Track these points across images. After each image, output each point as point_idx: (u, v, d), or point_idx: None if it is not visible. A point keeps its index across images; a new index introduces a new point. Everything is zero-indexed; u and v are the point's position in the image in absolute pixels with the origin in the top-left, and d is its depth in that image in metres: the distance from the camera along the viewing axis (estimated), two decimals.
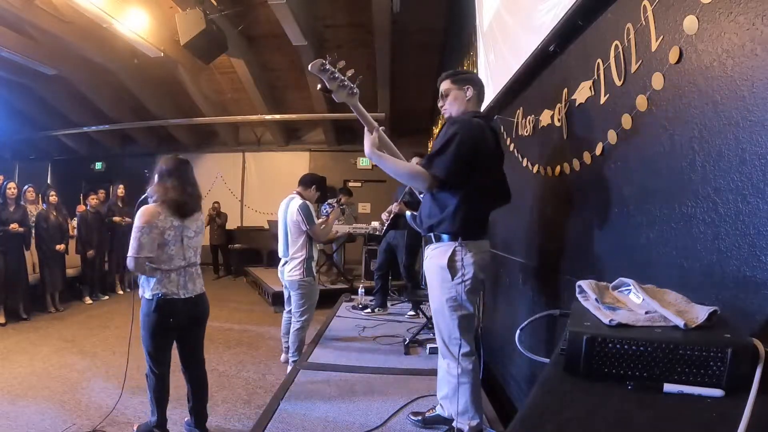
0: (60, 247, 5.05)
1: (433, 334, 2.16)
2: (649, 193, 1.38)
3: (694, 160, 1.17)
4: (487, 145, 1.80)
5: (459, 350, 1.82)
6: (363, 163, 8.86)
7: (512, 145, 2.72)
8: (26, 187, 5.25)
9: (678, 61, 1.22)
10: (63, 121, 9.11)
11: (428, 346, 3.23)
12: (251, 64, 6.80)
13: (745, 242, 0.99)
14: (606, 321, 0.83)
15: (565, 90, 1.93)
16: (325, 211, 3.63)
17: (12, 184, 4.69)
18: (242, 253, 8.39)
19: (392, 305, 4.70)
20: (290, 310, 3.31)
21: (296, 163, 9.00)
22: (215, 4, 5.36)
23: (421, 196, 2.04)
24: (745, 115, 1.00)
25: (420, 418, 2.13)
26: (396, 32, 5.68)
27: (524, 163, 2.49)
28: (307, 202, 3.19)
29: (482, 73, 3.20)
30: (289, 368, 3.06)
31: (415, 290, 4.28)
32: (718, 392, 0.70)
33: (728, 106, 1.05)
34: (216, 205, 8.14)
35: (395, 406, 2.31)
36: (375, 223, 5.62)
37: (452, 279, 1.78)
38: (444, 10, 5.61)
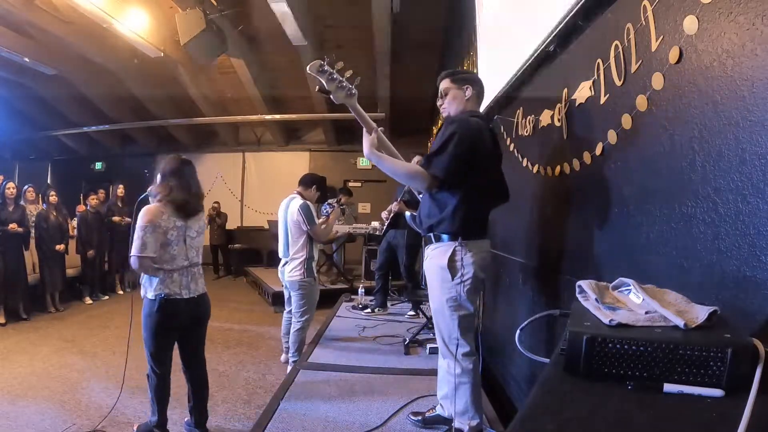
0: (60, 247, 5.05)
1: (433, 334, 2.16)
2: (649, 193, 1.38)
3: (694, 160, 1.17)
4: (485, 144, 1.80)
5: (459, 350, 1.82)
6: (363, 163, 8.86)
7: (512, 145, 2.72)
8: (26, 187, 5.25)
9: (678, 61, 1.22)
10: (63, 121, 9.10)
11: (428, 346, 3.23)
12: (251, 64, 6.80)
13: (745, 242, 0.99)
14: (606, 321, 0.83)
15: (565, 90, 1.93)
16: (325, 211, 3.63)
17: (11, 184, 4.69)
18: (242, 253, 8.39)
19: (392, 305, 4.70)
20: (290, 311, 3.31)
21: (296, 163, 9.00)
22: (215, 4, 5.36)
23: (420, 196, 2.04)
24: (745, 115, 1.00)
25: (420, 418, 2.13)
26: (396, 32, 5.68)
27: (524, 163, 2.49)
28: (308, 202, 3.19)
29: (482, 73, 3.20)
30: (289, 368, 3.06)
31: (415, 290, 4.28)
32: (718, 392, 0.70)
33: (728, 106, 1.05)
34: (216, 205, 8.14)
35: (395, 406, 2.31)
36: (375, 223, 5.62)
37: (452, 279, 1.78)
38: (444, 10, 5.60)
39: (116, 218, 5.87)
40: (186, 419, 2.38)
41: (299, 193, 3.27)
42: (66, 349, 3.86)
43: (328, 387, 2.60)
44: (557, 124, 2.03)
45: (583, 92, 1.77)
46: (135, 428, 2.35)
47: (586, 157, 1.74)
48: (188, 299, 2.14)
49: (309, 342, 3.40)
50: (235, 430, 2.55)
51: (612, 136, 1.55)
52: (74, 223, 5.70)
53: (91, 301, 5.60)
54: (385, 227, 4.19)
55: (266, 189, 9.18)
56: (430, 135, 7.87)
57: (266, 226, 8.07)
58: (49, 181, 9.79)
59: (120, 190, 6.21)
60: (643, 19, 1.37)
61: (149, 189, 2.24)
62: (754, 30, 0.97)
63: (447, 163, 1.71)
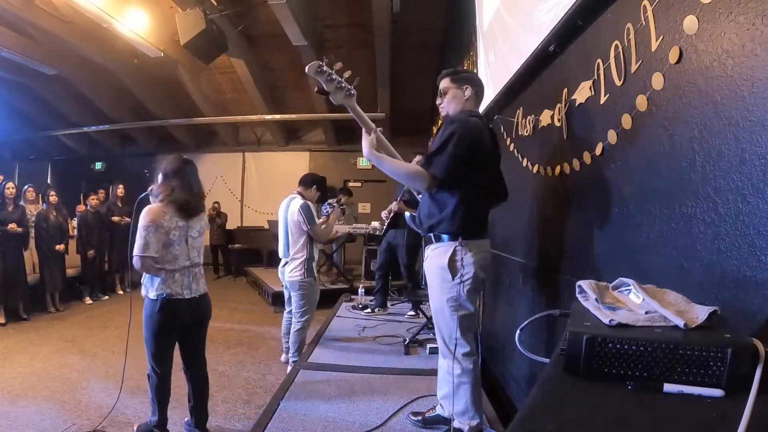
0: (60, 247, 5.05)
1: (433, 334, 2.16)
2: (649, 193, 1.38)
3: (694, 160, 1.17)
4: (484, 144, 1.81)
5: (460, 350, 1.82)
6: (363, 163, 8.86)
7: (512, 145, 2.72)
8: (26, 187, 5.25)
9: (678, 61, 1.22)
10: (63, 121, 9.11)
11: (428, 346, 3.23)
12: (251, 64, 6.80)
13: (745, 242, 0.99)
14: (606, 321, 0.83)
15: (565, 90, 1.93)
16: (325, 211, 3.64)
17: (10, 184, 4.68)
18: (242, 253, 8.39)
19: (392, 305, 4.70)
20: (291, 311, 3.31)
21: (296, 163, 9.00)
22: (215, 4, 5.36)
23: (420, 196, 2.04)
24: (745, 115, 1.00)
25: (420, 418, 2.13)
26: (396, 32, 5.68)
27: (524, 163, 2.49)
28: (308, 202, 3.19)
29: (482, 73, 3.20)
30: (289, 368, 3.06)
31: (415, 290, 4.28)
32: (718, 392, 0.70)
33: (728, 106, 1.05)
34: (216, 205, 8.14)
35: (395, 406, 2.31)
36: (375, 223, 5.62)
37: (452, 279, 1.78)
38: (444, 10, 5.61)
39: (116, 218, 5.87)
40: (186, 419, 2.38)
41: (299, 193, 3.26)
42: (66, 349, 3.86)
43: (328, 387, 2.60)
44: (557, 124, 2.03)
45: (583, 92, 1.77)
46: (135, 428, 2.35)
47: (586, 157, 1.74)
48: (190, 299, 2.14)
49: (309, 342, 3.40)
50: (235, 430, 2.55)
51: (612, 136, 1.55)
52: (74, 223, 5.70)
53: (91, 301, 5.60)
54: (385, 227, 4.19)
55: (266, 189, 9.18)
56: (430, 135, 7.87)
57: (266, 226, 8.07)
58: (49, 181, 9.80)
59: (120, 190, 6.21)
60: (643, 19, 1.37)
61: (150, 188, 2.24)
62: (754, 30, 0.97)
63: (447, 163, 1.72)
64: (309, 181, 3.34)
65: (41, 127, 9.42)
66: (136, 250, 2.01)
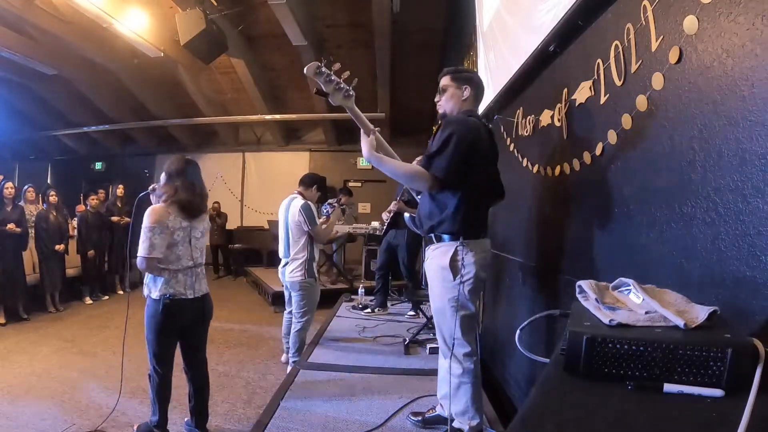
0: (59, 247, 5.05)
1: (433, 334, 2.16)
2: (649, 193, 1.38)
3: (694, 160, 1.17)
4: (483, 143, 1.81)
5: (459, 350, 1.82)
6: (363, 163, 8.86)
7: (512, 145, 2.72)
8: (26, 187, 5.25)
9: (678, 61, 1.22)
10: (63, 121, 9.10)
11: (428, 346, 3.23)
12: (251, 64, 6.80)
13: (745, 242, 0.99)
14: (606, 321, 0.83)
15: (565, 90, 1.93)
16: (325, 212, 3.65)
17: (9, 184, 4.66)
18: (242, 253, 8.39)
19: (392, 305, 4.70)
20: (291, 311, 3.31)
21: (296, 163, 9.00)
22: (215, 4, 5.36)
23: (419, 197, 2.04)
24: (745, 115, 1.00)
25: (420, 418, 2.13)
26: (396, 32, 5.68)
27: (524, 163, 2.49)
28: (309, 202, 3.19)
29: (482, 73, 3.20)
30: (289, 368, 3.06)
31: (415, 290, 4.28)
32: (718, 392, 0.70)
33: (728, 106, 1.05)
34: (216, 205, 8.14)
35: (395, 406, 2.31)
36: (375, 223, 5.62)
37: (453, 279, 1.78)
38: (444, 10, 5.61)
39: (115, 218, 5.87)
40: (186, 419, 2.38)
41: (300, 193, 3.26)
42: (66, 349, 3.86)
43: (328, 387, 2.60)
44: (557, 124, 2.03)
45: (583, 92, 1.76)
46: (135, 428, 2.35)
47: (586, 157, 1.74)
48: (193, 299, 2.14)
49: (309, 342, 3.40)
50: (235, 430, 2.55)
51: (612, 136, 1.55)
52: (74, 223, 5.70)
53: (91, 301, 5.60)
54: (385, 228, 4.19)
55: (266, 189, 9.18)
56: (430, 135, 7.86)
57: (266, 226, 8.07)
58: (49, 181, 9.80)
59: (120, 190, 6.21)
60: (643, 19, 1.37)
61: (151, 187, 2.24)
62: (754, 30, 0.97)
63: (447, 164, 1.72)
64: (309, 181, 3.34)
65: (41, 127, 9.42)
66: (142, 252, 2.01)
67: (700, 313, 0.81)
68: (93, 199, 5.74)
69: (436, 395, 2.17)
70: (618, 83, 1.52)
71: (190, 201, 2.12)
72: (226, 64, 6.78)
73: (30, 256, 5.03)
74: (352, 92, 1.79)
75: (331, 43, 6.34)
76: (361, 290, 4.78)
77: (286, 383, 2.61)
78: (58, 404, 2.77)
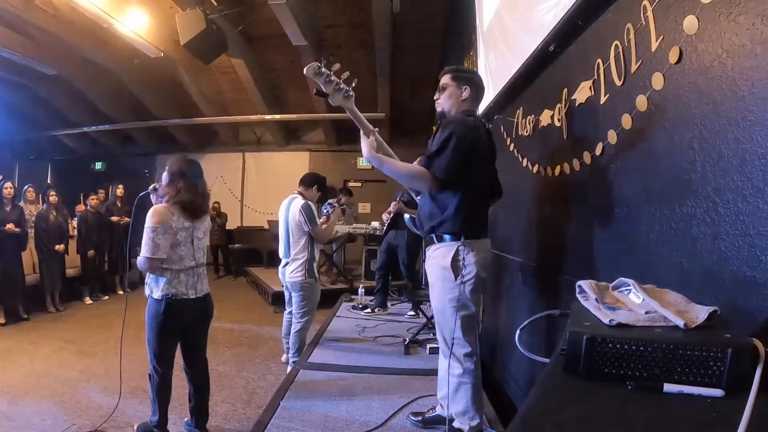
0: (59, 247, 5.04)
1: (433, 334, 2.16)
2: (649, 193, 1.38)
3: (694, 160, 1.17)
4: (482, 143, 1.82)
5: (459, 350, 1.82)
6: (363, 163, 8.86)
7: (512, 145, 2.72)
8: (26, 187, 5.25)
9: (678, 61, 1.22)
10: (63, 121, 9.10)
11: (428, 346, 3.23)
12: (251, 64, 6.80)
13: (745, 242, 0.99)
14: (606, 321, 0.83)
15: (565, 90, 1.93)
16: (325, 212, 3.65)
17: (8, 184, 4.66)
18: (242, 253, 8.39)
19: (392, 305, 4.70)
20: (291, 311, 3.31)
21: (296, 163, 9.00)
22: (215, 4, 5.36)
23: (419, 197, 2.04)
24: (745, 115, 1.00)
25: (420, 418, 2.13)
26: (396, 32, 5.68)
27: (524, 163, 2.49)
28: (309, 202, 3.19)
29: (482, 73, 3.19)
30: (289, 368, 3.06)
31: (415, 290, 4.28)
32: (718, 392, 0.70)
33: (728, 106, 1.05)
34: (216, 205, 8.14)
35: (395, 406, 2.31)
36: (375, 223, 5.62)
37: (454, 279, 1.78)
38: (444, 11, 5.61)
39: (114, 218, 5.86)
40: (186, 419, 2.38)
41: (300, 193, 3.26)
42: (66, 349, 3.86)
43: (328, 387, 2.60)
44: (557, 124, 2.03)
45: (583, 92, 1.77)
46: (135, 428, 2.35)
47: (586, 157, 1.74)
48: (195, 299, 2.14)
49: (309, 342, 3.40)
50: (235, 430, 2.55)
51: (612, 136, 1.55)
52: (74, 223, 5.70)
53: (91, 301, 5.60)
54: (385, 229, 4.19)
55: (266, 189, 9.18)
56: (430, 135, 7.86)
57: (266, 226, 8.06)
58: (49, 181, 9.79)
59: (120, 190, 6.21)
60: (643, 19, 1.37)
61: (151, 187, 2.24)
62: (754, 30, 0.97)
63: (447, 164, 1.72)
64: (310, 181, 3.33)
65: (41, 127, 9.42)
66: (145, 252, 2.00)
67: (700, 313, 0.81)
68: (93, 199, 5.74)
69: (436, 395, 2.17)
70: (618, 83, 1.52)
71: (193, 201, 2.12)
72: (226, 64, 6.78)
73: (30, 256, 5.03)
74: (351, 93, 1.79)
75: (331, 43, 6.34)
76: (361, 290, 4.78)
77: (286, 383, 2.61)
78: (58, 404, 2.77)
